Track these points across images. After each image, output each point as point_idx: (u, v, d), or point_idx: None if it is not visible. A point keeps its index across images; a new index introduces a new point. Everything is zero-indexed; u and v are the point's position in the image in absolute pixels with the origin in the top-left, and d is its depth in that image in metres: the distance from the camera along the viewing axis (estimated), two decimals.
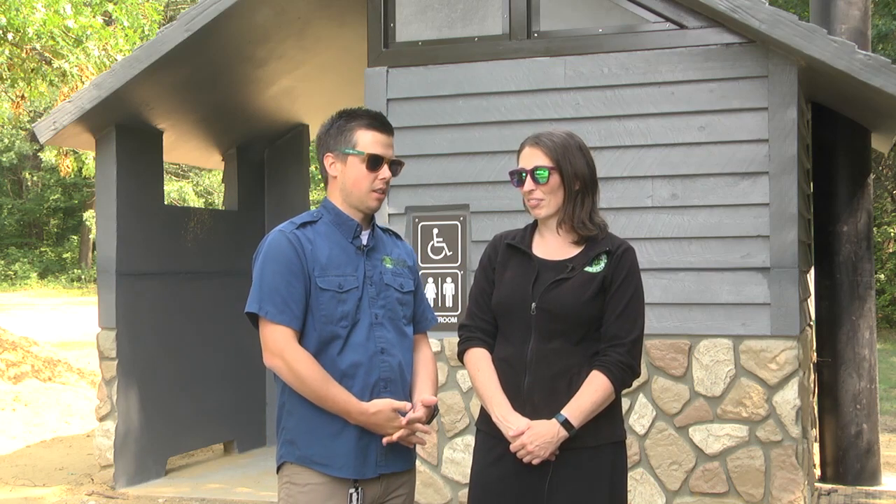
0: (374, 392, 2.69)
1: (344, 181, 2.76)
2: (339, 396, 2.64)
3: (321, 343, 2.68)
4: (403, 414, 2.69)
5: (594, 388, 2.67)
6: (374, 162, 2.73)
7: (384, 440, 2.69)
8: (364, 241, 2.79)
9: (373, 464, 2.70)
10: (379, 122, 2.77)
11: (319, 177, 33.05)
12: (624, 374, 2.70)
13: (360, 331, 2.70)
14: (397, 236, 2.97)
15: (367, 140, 2.74)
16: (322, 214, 2.80)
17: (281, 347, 2.65)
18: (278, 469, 2.79)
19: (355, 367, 2.68)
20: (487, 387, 2.76)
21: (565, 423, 2.64)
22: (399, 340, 2.78)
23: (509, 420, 2.68)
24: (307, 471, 2.69)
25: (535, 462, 2.64)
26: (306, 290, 2.68)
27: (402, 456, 2.78)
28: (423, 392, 2.79)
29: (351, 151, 2.74)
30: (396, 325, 2.79)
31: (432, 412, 2.78)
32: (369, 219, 2.82)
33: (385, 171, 2.75)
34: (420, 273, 3.39)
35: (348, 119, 2.77)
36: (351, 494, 2.67)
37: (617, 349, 2.70)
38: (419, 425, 2.73)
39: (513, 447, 2.66)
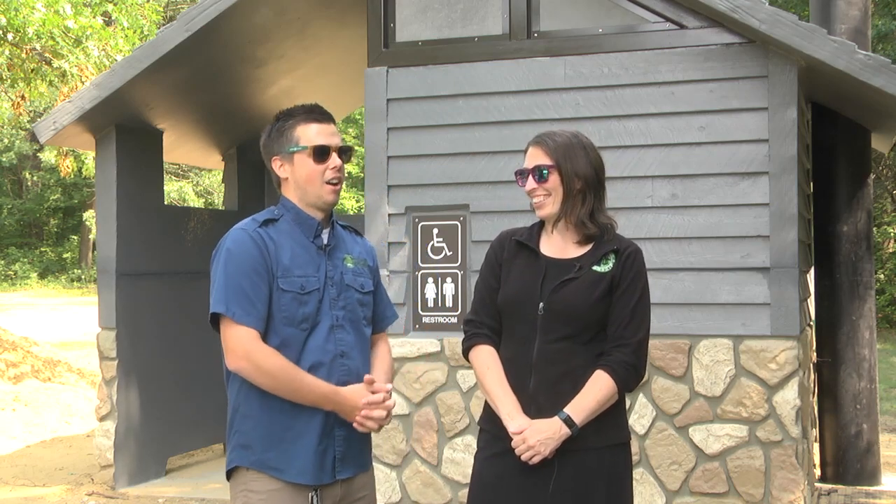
0: None
1: (296, 180, 2.71)
2: (314, 384, 2.60)
3: (280, 345, 2.62)
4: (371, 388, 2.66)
5: (598, 387, 2.66)
6: (320, 152, 2.68)
7: (356, 422, 2.63)
8: (325, 241, 2.74)
9: (330, 469, 2.66)
10: (317, 113, 2.73)
11: None
12: (628, 374, 2.69)
13: (319, 333, 2.66)
14: (357, 233, 2.92)
15: (309, 133, 2.70)
16: (283, 213, 2.73)
17: (247, 349, 2.58)
18: (228, 476, 2.71)
19: (315, 369, 2.63)
20: (497, 388, 2.73)
21: (567, 420, 2.62)
22: (358, 343, 2.75)
23: (515, 420, 2.66)
24: (264, 476, 2.62)
25: (535, 460, 2.62)
26: (269, 291, 2.63)
27: (358, 459, 2.75)
28: (378, 380, 2.72)
29: (295, 149, 2.69)
30: (357, 327, 2.75)
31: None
32: (328, 217, 2.77)
33: (334, 160, 2.70)
34: (419, 274, 3.30)
35: (285, 118, 2.74)
36: (312, 497, 2.63)
37: (622, 349, 2.70)
38: (382, 402, 2.67)
39: (514, 443, 2.64)
